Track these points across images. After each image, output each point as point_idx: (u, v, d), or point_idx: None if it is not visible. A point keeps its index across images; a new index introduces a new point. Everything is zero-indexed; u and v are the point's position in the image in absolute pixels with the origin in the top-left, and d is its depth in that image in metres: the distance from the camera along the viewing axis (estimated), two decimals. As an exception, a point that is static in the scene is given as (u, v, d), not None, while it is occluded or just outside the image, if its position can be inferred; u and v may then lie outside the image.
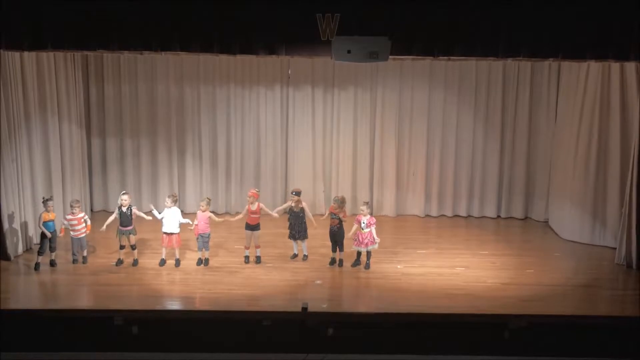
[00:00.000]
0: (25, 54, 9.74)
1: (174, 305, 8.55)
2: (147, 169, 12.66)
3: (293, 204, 9.93)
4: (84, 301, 8.59)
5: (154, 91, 12.38)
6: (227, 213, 12.70)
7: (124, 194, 9.65)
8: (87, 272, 9.37)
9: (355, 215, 9.89)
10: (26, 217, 10.19)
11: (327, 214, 10.01)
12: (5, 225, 9.63)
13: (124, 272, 9.27)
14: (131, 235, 9.54)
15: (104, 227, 9.51)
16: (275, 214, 10.00)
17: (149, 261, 9.71)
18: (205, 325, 7.98)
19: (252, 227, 9.78)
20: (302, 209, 9.90)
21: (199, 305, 8.48)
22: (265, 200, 12.61)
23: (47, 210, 9.33)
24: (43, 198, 9.62)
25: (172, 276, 9.26)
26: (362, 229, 9.52)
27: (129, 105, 12.42)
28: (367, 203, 9.76)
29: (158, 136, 12.51)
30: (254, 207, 9.77)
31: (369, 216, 9.57)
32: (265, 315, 7.92)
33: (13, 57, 9.63)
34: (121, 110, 12.43)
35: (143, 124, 12.48)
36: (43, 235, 9.33)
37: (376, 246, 9.61)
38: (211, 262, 9.74)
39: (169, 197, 9.70)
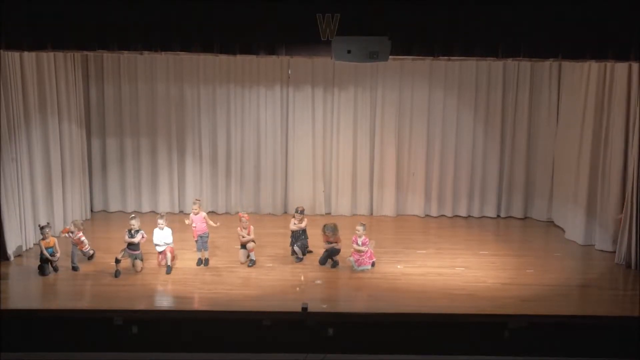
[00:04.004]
0: (25, 54, 9.75)
1: (174, 305, 8.55)
2: (147, 169, 12.67)
3: (297, 222, 9.90)
4: (84, 301, 8.58)
5: (153, 91, 12.39)
6: (227, 213, 12.71)
7: (132, 218, 9.50)
8: (87, 272, 9.36)
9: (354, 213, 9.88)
10: (26, 216, 10.18)
11: (325, 245, 9.76)
12: (5, 226, 9.62)
13: (124, 272, 9.25)
14: (137, 260, 9.36)
15: (120, 254, 9.29)
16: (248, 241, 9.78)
17: (148, 261, 9.70)
18: (205, 325, 7.98)
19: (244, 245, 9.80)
20: (305, 229, 9.97)
21: (198, 305, 8.47)
22: (266, 200, 12.70)
23: (43, 238, 9.22)
24: (39, 225, 9.54)
25: (172, 276, 9.25)
26: (360, 250, 9.52)
27: (129, 105, 12.42)
28: (363, 225, 9.66)
29: (158, 136, 12.52)
30: (245, 232, 9.72)
31: (363, 237, 9.55)
32: (265, 315, 7.92)
33: (13, 57, 9.62)
34: (121, 110, 12.44)
35: (143, 124, 12.48)
36: (43, 260, 9.19)
37: (372, 246, 9.68)
38: (211, 262, 9.73)
39: (161, 217, 9.58)
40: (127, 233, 9.33)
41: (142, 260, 9.44)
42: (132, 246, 9.31)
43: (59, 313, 7.98)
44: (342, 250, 9.74)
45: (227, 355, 7.85)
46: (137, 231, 9.34)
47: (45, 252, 9.16)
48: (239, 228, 9.77)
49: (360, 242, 9.52)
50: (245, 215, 9.89)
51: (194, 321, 8.03)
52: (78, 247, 9.57)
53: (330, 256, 9.68)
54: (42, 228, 9.32)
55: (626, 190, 10.03)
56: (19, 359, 7.73)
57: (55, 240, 9.41)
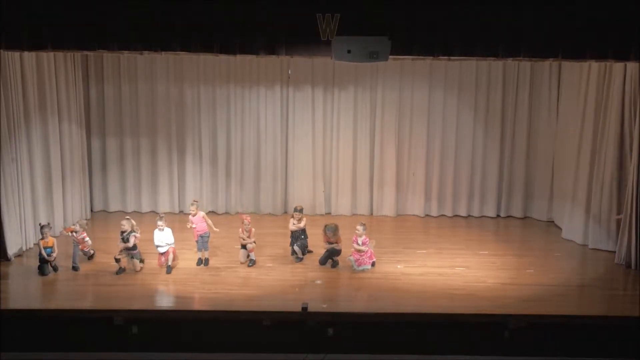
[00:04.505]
0: (25, 54, 9.75)
1: (174, 305, 8.55)
2: (147, 169, 12.67)
3: (296, 222, 9.90)
4: (84, 301, 8.57)
5: (153, 91, 12.39)
6: (227, 213, 12.71)
7: (124, 219, 9.45)
8: (87, 272, 9.36)
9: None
10: (26, 217, 10.18)
11: (325, 245, 9.76)
12: (5, 226, 9.62)
13: (124, 272, 9.25)
14: (135, 260, 9.33)
15: (119, 254, 9.24)
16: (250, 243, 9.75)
17: (148, 261, 9.70)
18: (205, 325, 7.98)
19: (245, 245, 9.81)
20: (304, 228, 9.96)
21: (199, 305, 8.47)
22: (266, 200, 12.70)
23: (42, 238, 9.21)
24: (40, 224, 9.52)
25: (172, 276, 9.25)
26: (360, 250, 9.51)
27: (129, 105, 12.42)
28: (363, 224, 9.65)
29: (158, 136, 12.52)
30: (247, 234, 9.71)
31: (364, 236, 9.54)
32: (265, 315, 7.92)
33: (13, 57, 9.62)
34: (121, 110, 12.44)
35: (143, 124, 12.48)
36: (42, 260, 9.18)
37: (373, 245, 9.69)
38: (211, 262, 9.74)
39: (160, 219, 9.48)
40: (120, 238, 9.30)
41: (140, 260, 9.42)
42: (128, 248, 9.30)
43: (59, 313, 7.98)
44: (342, 250, 9.74)
45: (227, 355, 7.85)
46: (130, 233, 9.28)
47: (42, 251, 9.16)
48: (240, 230, 9.76)
49: (360, 242, 9.52)
50: (248, 217, 9.87)
51: (194, 321, 8.03)
52: (80, 246, 9.56)
53: (331, 256, 9.68)
54: (41, 227, 9.33)
55: (621, 189, 10.06)
56: (19, 359, 7.74)
57: (54, 240, 9.40)
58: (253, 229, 9.78)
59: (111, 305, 8.16)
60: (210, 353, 7.87)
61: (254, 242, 9.74)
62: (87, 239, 9.70)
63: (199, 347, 7.92)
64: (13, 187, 9.83)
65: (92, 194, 12.66)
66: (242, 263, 9.72)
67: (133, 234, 9.32)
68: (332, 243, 9.64)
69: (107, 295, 8.54)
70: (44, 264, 9.18)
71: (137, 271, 9.31)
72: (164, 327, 7.98)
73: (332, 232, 9.59)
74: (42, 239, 9.24)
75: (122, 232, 9.30)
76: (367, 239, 9.59)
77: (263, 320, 7.89)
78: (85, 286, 8.96)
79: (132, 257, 9.36)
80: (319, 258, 9.77)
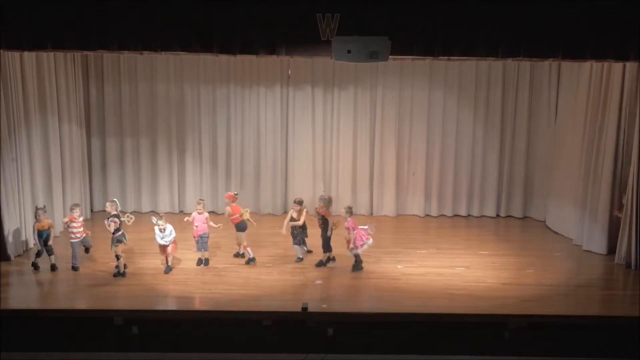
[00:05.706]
0: (25, 54, 9.76)
1: (174, 305, 8.55)
2: (147, 169, 12.67)
3: (295, 214, 9.87)
4: (84, 301, 8.58)
5: (153, 91, 12.39)
6: (227, 213, 12.72)
7: (109, 201, 9.44)
8: (87, 272, 9.36)
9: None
10: (26, 217, 10.18)
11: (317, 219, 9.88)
12: (5, 226, 9.62)
13: (125, 271, 9.26)
14: (121, 244, 9.24)
15: (114, 247, 9.23)
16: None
17: (149, 261, 9.70)
18: (205, 325, 7.98)
19: (236, 226, 9.82)
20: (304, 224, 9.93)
21: (199, 305, 8.48)
22: (266, 200, 12.69)
23: (37, 220, 9.17)
24: (36, 207, 9.50)
25: (172, 276, 9.25)
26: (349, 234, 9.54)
27: (128, 105, 12.43)
28: (348, 207, 9.67)
29: (158, 136, 12.53)
30: (230, 210, 9.73)
31: (349, 220, 9.46)
32: (265, 315, 7.93)
33: (13, 57, 9.63)
34: (121, 110, 12.45)
35: (143, 124, 12.49)
36: (41, 244, 9.20)
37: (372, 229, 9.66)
38: (211, 262, 9.74)
39: (160, 218, 9.35)
40: (106, 221, 9.24)
41: (115, 244, 9.21)
42: (114, 233, 9.19)
43: (59, 313, 7.98)
44: (340, 249, 9.72)
45: (227, 355, 7.85)
46: (113, 217, 9.18)
47: (35, 239, 9.09)
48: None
49: (345, 225, 9.46)
50: (229, 193, 9.97)
51: (194, 321, 8.04)
52: (77, 234, 9.36)
53: (327, 238, 9.65)
54: (36, 209, 9.24)
55: (620, 190, 10.06)
56: (19, 359, 7.74)
57: (51, 222, 9.31)
58: (228, 209, 9.77)
59: (111, 305, 8.17)
60: (210, 353, 7.87)
61: (246, 212, 9.80)
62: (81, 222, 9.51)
63: (199, 347, 7.92)
64: (13, 187, 9.83)
65: (92, 194, 12.66)
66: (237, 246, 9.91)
67: (112, 218, 9.17)
68: (323, 218, 9.66)
69: (107, 295, 8.54)
70: (46, 248, 9.15)
71: (119, 254, 9.16)
72: (164, 327, 7.98)
73: (323, 202, 9.73)
74: (37, 222, 9.14)
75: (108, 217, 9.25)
76: (352, 223, 9.46)
77: (263, 320, 7.89)
78: (85, 286, 8.95)
79: (121, 242, 9.22)
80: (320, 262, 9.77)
